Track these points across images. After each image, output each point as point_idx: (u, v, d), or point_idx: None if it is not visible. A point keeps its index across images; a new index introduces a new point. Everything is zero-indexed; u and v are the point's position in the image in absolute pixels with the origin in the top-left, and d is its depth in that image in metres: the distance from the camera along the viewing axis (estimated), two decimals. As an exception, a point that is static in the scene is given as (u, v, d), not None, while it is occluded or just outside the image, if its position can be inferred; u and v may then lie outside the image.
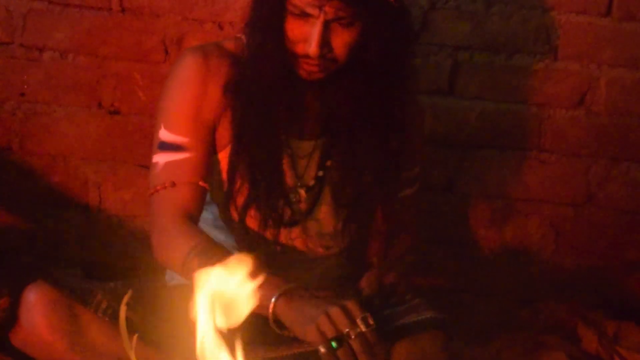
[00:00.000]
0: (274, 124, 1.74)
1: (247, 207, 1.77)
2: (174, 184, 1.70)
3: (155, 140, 1.74)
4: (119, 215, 2.34)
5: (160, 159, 1.72)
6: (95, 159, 2.31)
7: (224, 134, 1.77)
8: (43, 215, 2.33)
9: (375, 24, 1.65)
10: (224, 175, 1.78)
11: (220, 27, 2.26)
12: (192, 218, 1.72)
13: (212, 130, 1.76)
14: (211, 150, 1.77)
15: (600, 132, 2.36)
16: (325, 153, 1.81)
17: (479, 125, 2.35)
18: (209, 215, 1.86)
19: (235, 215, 1.80)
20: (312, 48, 1.61)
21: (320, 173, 1.82)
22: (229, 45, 1.80)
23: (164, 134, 1.72)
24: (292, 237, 1.83)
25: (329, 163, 1.81)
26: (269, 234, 1.80)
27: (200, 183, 1.73)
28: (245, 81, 1.72)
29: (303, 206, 1.82)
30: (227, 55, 1.77)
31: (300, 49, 1.64)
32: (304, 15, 1.61)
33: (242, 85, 1.72)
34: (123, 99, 2.29)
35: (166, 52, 2.27)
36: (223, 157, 1.78)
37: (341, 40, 1.63)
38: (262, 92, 1.71)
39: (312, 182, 1.82)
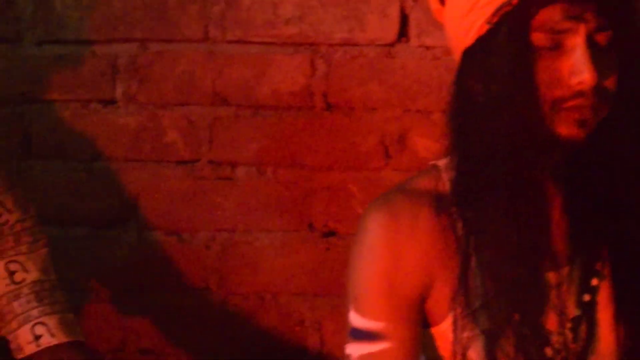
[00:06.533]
0: (526, 254, 1.25)
1: None
2: None
3: (346, 325, 1.34)
4: (344, 361, 1.89)
5: (353, 350, 1.32)
6: (311, 293, 1.86)
7: (440, 303, 1.32)
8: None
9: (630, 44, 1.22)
10: (444, 352, 1.34)
11: (452, 117, 1.76)
12: None
13: (419, 306, 1.33)
14: (418, 332, 1.33)
15: None
16: (586, 274, 1.32)
17: None
18: None
19: None
20: (586, 74, 1.16)
21: (587, 297, 1.33)
22: (423, 183, 1.34)
23: (355, 319, 1.32)
24: None
25: (594, 282, 1.33)
26: None
27: None
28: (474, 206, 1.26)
29: (571, 350, 1.34)
30: (423, 200, 1.32)
31: (561, 90, 1.20)
32: (556, 39, 1.20)
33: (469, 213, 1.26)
34: (338, 217, 1.83)
35: (387, 154, 1.80)
36: (441, 330, 1.34)
37: (605, 63, 1.20)
38: (504, 205, 1.21)
39: (576, 312, 1.33)
